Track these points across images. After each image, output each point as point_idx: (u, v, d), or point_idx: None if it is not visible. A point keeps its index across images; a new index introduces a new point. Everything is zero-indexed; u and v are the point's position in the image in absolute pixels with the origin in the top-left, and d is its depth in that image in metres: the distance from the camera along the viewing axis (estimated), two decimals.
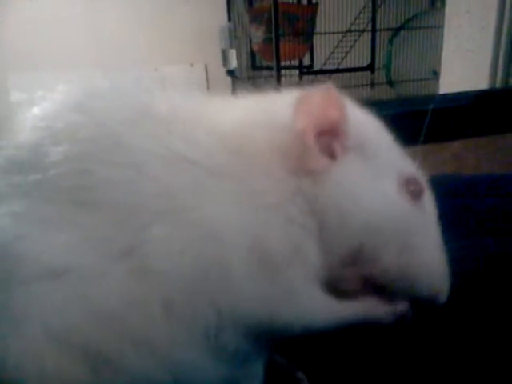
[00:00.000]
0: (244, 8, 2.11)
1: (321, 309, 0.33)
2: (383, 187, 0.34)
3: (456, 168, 0.92)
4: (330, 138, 0.33)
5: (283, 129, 0.33)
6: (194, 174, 0.31)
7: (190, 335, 0.29)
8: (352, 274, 0.33)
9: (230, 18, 2.27)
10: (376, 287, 0.34)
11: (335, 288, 0.33)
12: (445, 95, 1.14)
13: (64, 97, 0.35)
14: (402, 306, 0.34)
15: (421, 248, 0.34)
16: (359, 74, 2.21)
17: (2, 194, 0.30)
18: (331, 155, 0.33)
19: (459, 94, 1.06)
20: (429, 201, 0.36)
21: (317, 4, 2.07)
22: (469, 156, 0.91)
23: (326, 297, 0.33)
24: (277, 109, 0.35)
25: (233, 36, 2.18)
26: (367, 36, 2.14)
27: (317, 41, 2.11)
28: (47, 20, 2.35)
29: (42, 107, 0.34)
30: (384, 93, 2.25)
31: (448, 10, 1.25)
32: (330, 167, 0.33)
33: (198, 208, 0.30)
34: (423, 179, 0.36)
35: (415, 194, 0.34)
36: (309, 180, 0.32)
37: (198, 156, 0.31)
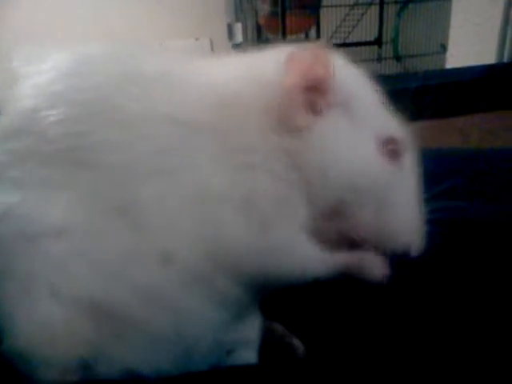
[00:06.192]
0: None
1: (313, 257, 0.34)
2: (361, 145, 0.34)
3: (460, 143, 0.92)
4: (315, 94, 0.33)
5: (270, 85, 0.33)
6: (181, 133, 0.32)
7: (188, 283, 0.31)
8: (329, 228, 0.34)
9: None
10: (351, 242, 0.35)
11: (318, 240, 0.34)
12: (451, 69, 1.13)
13: (57, 64, 0.35)
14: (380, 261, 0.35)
15: (396, 206, 0.35)
16: (366, 48, 2.17)
17: (2, 162, 0.32)
18: (316, 112, 0.33)
19: (466, 68, 1.05)
20: (409, 161, 0.36)
21: None
22: (473, 132, 0.91)
23: (316, 246, 0.34)
24: (264, 65, 0.35)
25: (238, 9, 2.15)
26: (375, 9, 2.10)
27: (323, 14, 2.07)
28: None
29: (37, 76, 0.35)
30: (391, 67, 2.22)
31: None
32: (313, 123, 0.33)
33: (188, 168, 0.31)
34: (405, 140, 0.36)
35: (394, 154, 0.35)
36: (292, 136, 0.33)
37: (184, 115, 0.32)
